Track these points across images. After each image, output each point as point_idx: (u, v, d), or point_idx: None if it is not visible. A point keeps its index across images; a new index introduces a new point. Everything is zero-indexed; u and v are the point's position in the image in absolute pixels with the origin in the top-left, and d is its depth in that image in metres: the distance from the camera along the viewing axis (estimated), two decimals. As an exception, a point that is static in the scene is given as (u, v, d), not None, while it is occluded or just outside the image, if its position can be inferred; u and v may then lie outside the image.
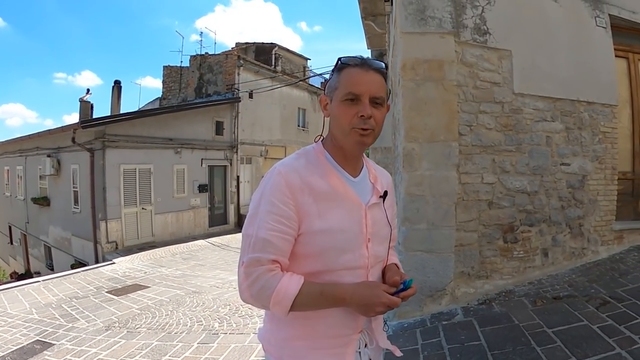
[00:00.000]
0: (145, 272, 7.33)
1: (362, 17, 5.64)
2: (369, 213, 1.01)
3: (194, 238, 11.51)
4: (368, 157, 1.12)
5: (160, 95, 15.42)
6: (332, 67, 1.03)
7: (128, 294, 5.80)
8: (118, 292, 5.99)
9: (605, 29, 4.32)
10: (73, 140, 9.37)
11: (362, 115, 0.94)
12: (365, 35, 6.42)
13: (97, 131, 9.52)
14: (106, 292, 6.00)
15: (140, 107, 16.42)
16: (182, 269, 7.63)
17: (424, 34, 3.53)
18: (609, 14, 4.37)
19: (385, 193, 1.07)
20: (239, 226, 13.55)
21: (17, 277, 11.27)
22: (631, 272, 3.69)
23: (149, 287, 6.20)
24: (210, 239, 11.52)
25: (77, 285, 6.53)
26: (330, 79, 1.02)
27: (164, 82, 15.26)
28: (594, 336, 2.62)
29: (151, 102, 16.39)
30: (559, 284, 3.75)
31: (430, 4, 3.56)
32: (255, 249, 0.92)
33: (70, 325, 4.55)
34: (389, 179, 1.17)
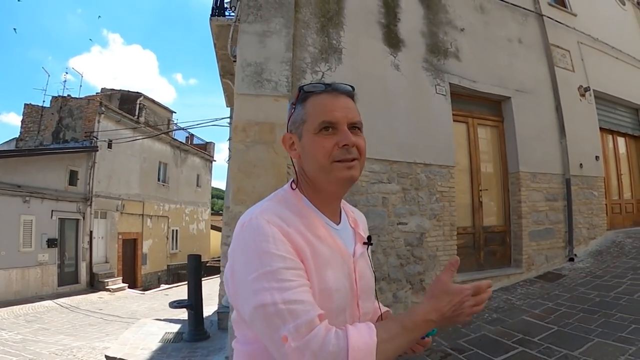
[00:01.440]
0: None
1: (220, 75, 5.87)
2: (357, 265, 0.90)
3: (41, 298, 10.48)
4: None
5: (17, 136, 14.24)
6: (292, 101, 0.91)
7: (-42, 361, 5.11)
8: (-53, 358, 5.25)
9: (444, 97, 4.92)
10: None
11: (344, 145, 0.83)
12: (224, 92, 6.66)
13: None
14: None
15: None
16: (24, 333, 6.86)
17: (259, 97, 3.72)
18: (450, 83, 5.00)
19: (369, 238, 0.97)
20: (91, 286, 12.73)
21: None
22: (473, 321, 4.06)
23: None
24: (59, 299, 10.49)
25: None
26: (293, 113, 0.90)
27: (23, 121, 14.17)
28: (434, 392, 2.82)
29: (7, 142, 14.86)
30: (399, 340, 4.01)
31: (267, 68, 3.79)
32: (295, 315, 0.71)
33: None
34: (365, 221, 1.06)
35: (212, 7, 5.26)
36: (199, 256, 6.03)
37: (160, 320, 6.98)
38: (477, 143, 5.30)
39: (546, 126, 5.66)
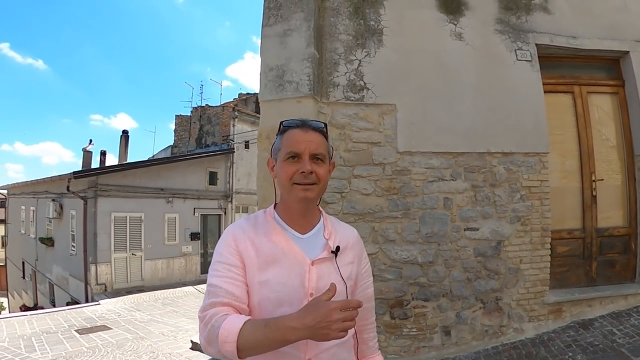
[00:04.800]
0: (119, 315, 8.46)
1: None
2: (314, 268, 1.12)
3: (184, 284, 12.88)
4: None
5: (172, 143, 17.94)
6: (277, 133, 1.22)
7: (90, 334, 6.86)
8: (84, 330, 7.10)
9: (530, 62, 4.22)
10: (68, 188, 11.23)
11: (302, 172, 1.11)
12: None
13: (90, 181, 11.36)
14: (75, 330, 7.16)
15: (154, 154, 19.27)
16: (154, 314, 8.63)
17: (281, 101, 3.78)
18: (537, 44, 4.26)
19: (338, 248, 1.18)
20: None
21: (25, 310, 13.04)
22: None
23: (112, 329, 7.21)
24: (200, 285, 12.61)
25: (55, 322, 7.81)
26: (274, 143, 1.21)
27: (175, 130, 17.88)
28: None
29: (164, 149, 18.74)
30: (449, 369, 3.70)
31: (289, 68, 3.80)
32: (209, 296, 1.07)
33: (26, 355, 5.63)
34: (352, 235, 1.29)
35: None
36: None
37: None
38: (587, 118, 4.38)
39: (687, 85, 4.34)
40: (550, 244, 4.07)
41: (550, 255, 4.05)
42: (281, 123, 1.20)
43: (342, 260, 1.18)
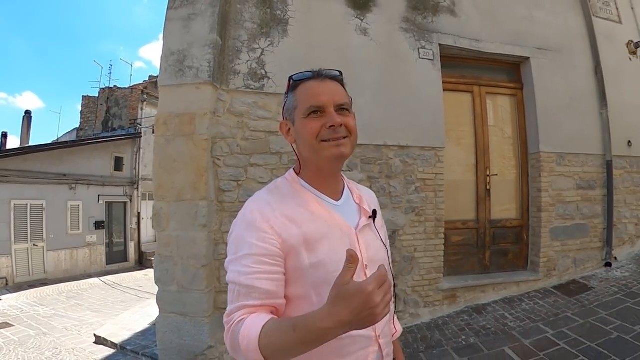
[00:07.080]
0: (22, 310, 8.39)
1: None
2: (361, 237, 1.06)
3: (89, 276, 12.80)
4: None
5: (78, 126, 17.53)
6: (285, 90, 1.13)
7: (-10, 331, 6.80)
8: (-16, 329, 7.02)
9: (432, 62, 4.62)
10: (-37, 173, 10.79)
11: (331, 126, 1.01)
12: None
13: (-13, 166, 10.96)
14: (-25, 328, 7.10)
15: (59, 137, 18.73)
16: (58, 309, 8.63)
17: (180, 86, 3.99)
18: (440, 44, 4.67)
19: (374, 212, 1.14)
20: (139, 264, 15.18)
21: None
22: (443, 344, 3.85)
23: (14, 325, 7.17)
24: (106, 277, 12.57)
25: (-47, 320, 7.68)
26: (286, 102, 1.11)
27: (82, 112, 17.38)
28: None
29: (69, 132, 18.20)
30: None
31: (190, 53, 4.03)
32: (239, 298, 0.94)
33: None
34: (374, 197, 1.26)
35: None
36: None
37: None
38: (484, 116, 4.85)
39: (580, 93, 4.94)
40: (445, 234, 4.51)
41: (444, 244, 4.49)
42: (290, 78, 1.10)
43: (377, 224, 1.15)
